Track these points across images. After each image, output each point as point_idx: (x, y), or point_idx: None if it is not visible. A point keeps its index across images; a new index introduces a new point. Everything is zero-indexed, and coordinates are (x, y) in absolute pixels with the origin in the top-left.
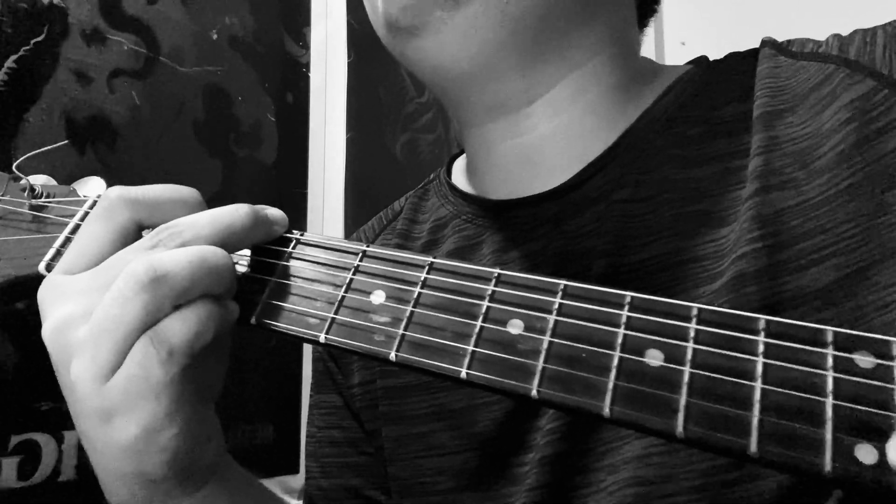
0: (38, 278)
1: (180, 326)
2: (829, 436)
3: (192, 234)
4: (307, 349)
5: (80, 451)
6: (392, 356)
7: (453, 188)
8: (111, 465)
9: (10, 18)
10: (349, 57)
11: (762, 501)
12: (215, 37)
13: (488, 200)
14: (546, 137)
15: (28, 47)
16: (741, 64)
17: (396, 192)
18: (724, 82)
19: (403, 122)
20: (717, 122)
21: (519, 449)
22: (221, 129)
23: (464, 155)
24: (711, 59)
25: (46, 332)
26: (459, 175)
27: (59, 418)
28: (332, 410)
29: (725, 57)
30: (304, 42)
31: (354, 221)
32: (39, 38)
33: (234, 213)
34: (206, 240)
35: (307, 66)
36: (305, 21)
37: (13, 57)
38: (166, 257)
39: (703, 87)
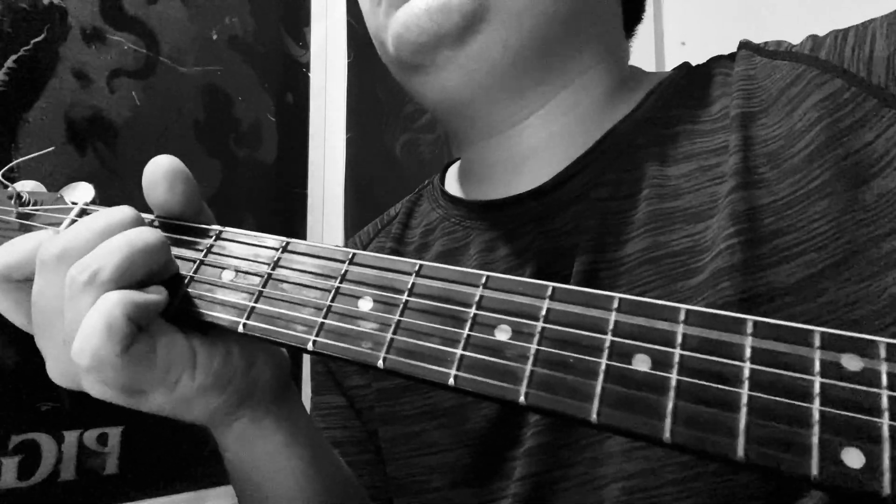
0: None
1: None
2: (815, 440)
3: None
4: None
5: (80, 451)
6: (380, 363)
7: (444, 193)
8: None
9: (10, 18)
10: (349, 57)
11: (745, 494)
12: (215, 37)
13: (475, 202)
14: (535, 147)
15: (28, 47)
16: (721, 66)
17: (396, 192)
18: (704, 84)
19: (403, 122)
20: (697, 121)
21: (510, 444)
22: (221, 129)
23: (458, 161)
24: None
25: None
26: (452, 181)
27: (59, 418)
28: (334, 411)
29: (707, 61)
30: (304, 42)
31: (354, 222)
32: (39, 38)
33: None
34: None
35: (307, 66)
36: (305, 21)
37: (13, 57)
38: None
39: (684, 89)
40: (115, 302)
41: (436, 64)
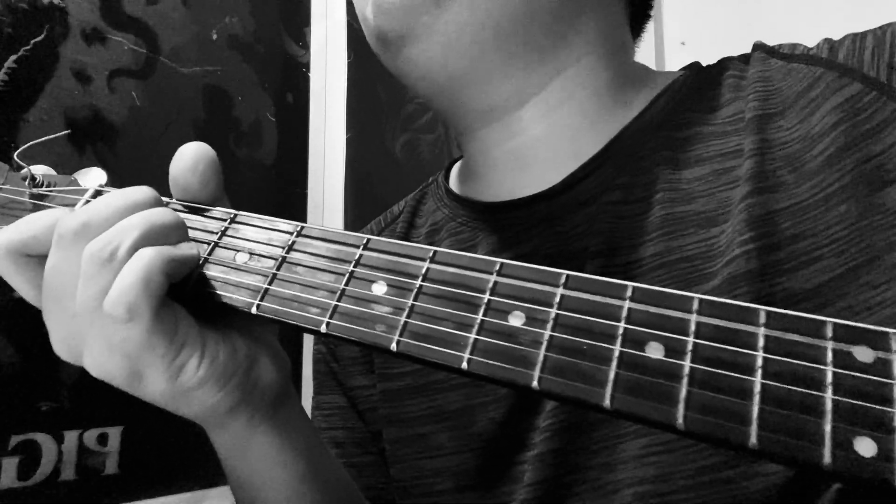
0: None
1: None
2: (828, 428)
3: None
4: (306, 350)
5: (80, 451)
6: (393, 346)
7: (449, 191)
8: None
9: (10, 18)
10: (349, 57)
11: (758, 499)
12: (215, 37)
13: (481, 203)
14: (538, 139)
15: (28, 47)
16: (734, 67)
17: (396, 192)
18: (716, 86)
19: (403, 122)
20: (710, 124)
21: (517, 448)
22: (221, 129)
23: (462, 159)
24: (709, 60)
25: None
26: (456, 179)
27: (59, 418)
28: (336, 411)
29: (718, 61)
30: (304, 42)
31: (354, 221)
32: (39, 38)
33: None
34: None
35: (307, 66)
36: (305, 21)
37: (13, 57)
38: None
39: (696, 90)
40: (153, 256)
41: (415, 33)
